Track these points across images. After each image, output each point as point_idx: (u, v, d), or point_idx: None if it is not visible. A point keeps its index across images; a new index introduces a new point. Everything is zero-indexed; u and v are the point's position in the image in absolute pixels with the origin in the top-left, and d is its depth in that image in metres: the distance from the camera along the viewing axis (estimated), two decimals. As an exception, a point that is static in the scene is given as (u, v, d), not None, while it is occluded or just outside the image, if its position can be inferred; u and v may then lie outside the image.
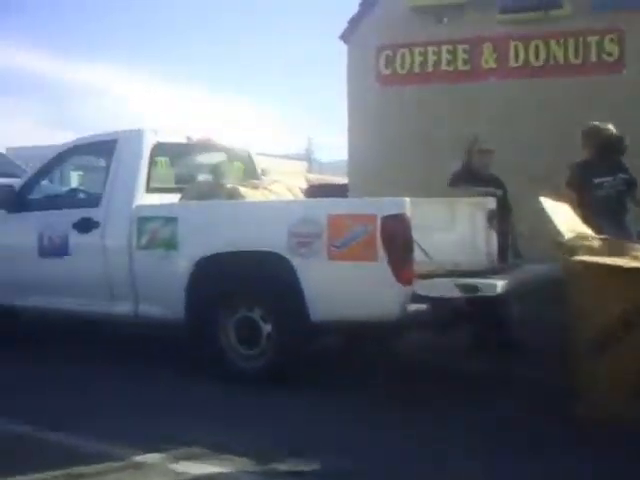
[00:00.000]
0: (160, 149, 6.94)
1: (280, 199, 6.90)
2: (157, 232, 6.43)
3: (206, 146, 7.49)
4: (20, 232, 7.36)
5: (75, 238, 6.87)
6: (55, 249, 6.98)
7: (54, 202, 7.47)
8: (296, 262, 5.81)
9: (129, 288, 6.60)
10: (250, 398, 5.68)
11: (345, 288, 5.79)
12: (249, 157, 7.95)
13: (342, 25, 14.05)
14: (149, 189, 6.77)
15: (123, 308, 6.69)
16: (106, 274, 6.70)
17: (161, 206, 6.68)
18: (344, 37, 14.75)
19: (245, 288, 6.16)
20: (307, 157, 46.16)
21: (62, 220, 6.98)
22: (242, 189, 6.66)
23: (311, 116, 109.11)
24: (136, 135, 6.93)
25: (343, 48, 14.98)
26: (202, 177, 7.42)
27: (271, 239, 5.96)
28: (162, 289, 6.45)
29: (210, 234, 6.27)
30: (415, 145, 13.40)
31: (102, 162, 7.46)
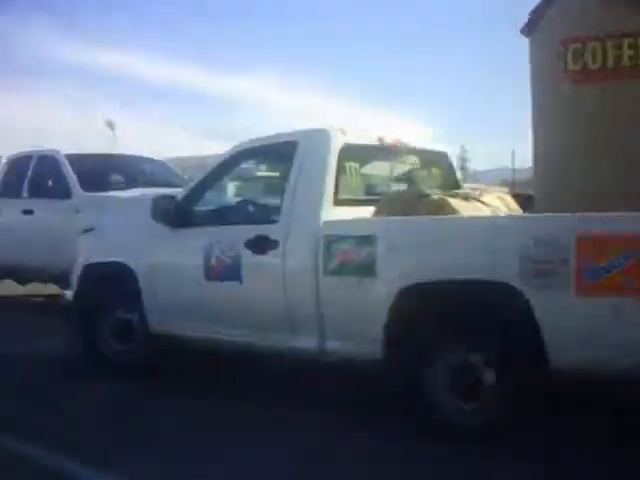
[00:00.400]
0: (349, 152, 5.76)
1: (508, 214, 5.60)
2: (349, 254, 5.23)
3: (400, 149, 6.27)
4: (184, 251, 6.36)
5: (248, 259, 5.78)
6: (224, 271, 5.93)
7: (222, 216, 6.38)
8: (532, 295, 4.50)
9: (314, 320, 5.44)
10: (459, 465, 4.50)
11: (599, 330, 4.44)
12: (447, 161, 6.68)
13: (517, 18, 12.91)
14: (337, 201, 5.61)
15: (306, 343, 5.54)
16: (286, 303, 5.58)
17: (354, 222, 5.49)
18: (525, 31, 13.49)
19: (462, 326, 4.86)
20: (461, 166, 44.63)
21: (232, 238, 5.92)
22: (452, 201, 5.40)
23: (465, 123, 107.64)
24: (321, 136, 5.77)
25: (522, 43, 13.77)
26: (396, 186, 6.23)
27: (498, 265, 4.67)
28: (355, 323, 5.27)
29: (417, 258, 5.01)
30: (611, 148, 12.03)
31: (278, 169, 6.38)
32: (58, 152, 10.91)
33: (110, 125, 38.78)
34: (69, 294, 7.26)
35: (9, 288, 12.01)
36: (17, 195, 11.20)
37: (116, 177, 10.94)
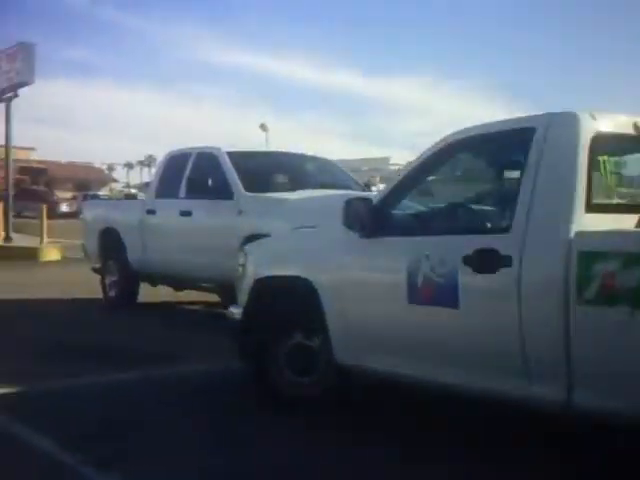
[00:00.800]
0: (601, 143, 4.40)
1: None
2: (616, 278, 3.88)
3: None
4: (381, 265, 5.19)
5: (468, 279, 4.51)
6: (434, 294, 4.69)
7: (432, 223, 5.15)
8: None
9: (560, 364, 4.11)
10: None
11: None
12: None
13: None
14: (590, 206, 4.27)
15: (547, 393, 4.22)
16: (521, 338, 4.27)
17: (625, 234, 4.13)
18: None
19: None
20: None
21: (446, 251, 4.67)
22: None
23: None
24: (567, 121, 4.42)
25: None
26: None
27: None
28: (622, 370, 3.92)
29: None
30: None
31: (506, 163, 5.11)
32: (219, 149, 9.94)
33: (263, 127, 38.48)
34: (236, 311, 6.18)
35: (162, 294, 11.25)
36: (174, 195, 10.30)
37: (281, 177, 9.90)
